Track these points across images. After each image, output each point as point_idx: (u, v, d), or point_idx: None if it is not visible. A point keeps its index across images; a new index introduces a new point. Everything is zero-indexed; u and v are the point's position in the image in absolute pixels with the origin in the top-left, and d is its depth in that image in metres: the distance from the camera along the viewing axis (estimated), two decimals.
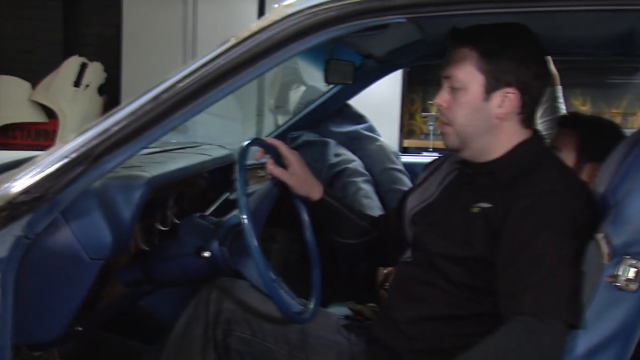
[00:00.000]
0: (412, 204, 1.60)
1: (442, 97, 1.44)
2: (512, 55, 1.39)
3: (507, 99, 1.40)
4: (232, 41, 1.19)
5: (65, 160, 1.15)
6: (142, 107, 1.16)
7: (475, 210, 1.38)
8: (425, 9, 1.19)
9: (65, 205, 1.19)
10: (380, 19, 1.19)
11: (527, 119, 1.44)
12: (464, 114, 1.42)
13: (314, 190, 1.65)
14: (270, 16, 1.20)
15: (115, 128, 1.16)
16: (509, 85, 1.39)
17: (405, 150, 4.89)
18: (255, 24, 1.20)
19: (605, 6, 1.22)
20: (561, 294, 1.21)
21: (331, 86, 2.50)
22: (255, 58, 1.18)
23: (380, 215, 1.84)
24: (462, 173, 1.50)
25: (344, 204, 1.73)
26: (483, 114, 1.41)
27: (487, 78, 1.39)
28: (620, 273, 1.17)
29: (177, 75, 1.18)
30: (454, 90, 1.42)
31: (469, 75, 1.40)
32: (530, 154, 1.42)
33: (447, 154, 1.64)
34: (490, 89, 1.39)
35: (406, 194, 1.71)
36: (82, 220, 1.23)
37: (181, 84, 1.17)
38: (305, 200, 1.66)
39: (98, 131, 1.16)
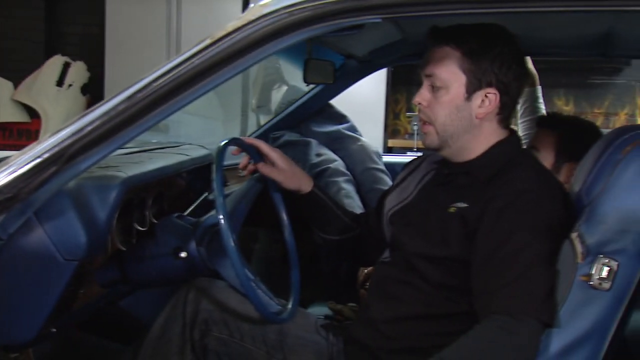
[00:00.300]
0: (390, 204, 1.60)
1: (422, 96, 1.44)
2: (494, 56, 1.39)
3: (487, 99, 1.41)
4: (208, 41, 1.18)
5: (38, 160, 1.13)
6: (116, 106, 1.15)
7: (452, 210, 1.39)
8: (401, 9, 1.19)
9: (38, 205, 1.18)
10: (357, 19, 1.18)
11: (505, 119, 1.45)
12: (445, 113, 1.42)
13: (304, 182, 1.65)
14: (245, 15, 1.19)
15: (89, 128, 1.15)
16: (489, 85, 1.40)
17: (389, 150, 4.89)
18: (231, 24, 1.20)
19: (583, 7, 1.23)
20: (536, 293, 1.22)
21: (313, 86, 2.49)
22: (230, 57, 1.17)
23: (362, 213, 1.84)
24: (440, 173, 1.51)
25: (331, 198, 1.73)
26: (464, 113, 1.41)
27: (468, 78, 1.39)
28: (594, 272, 1.18)
29: (152, 75, 1.17)
30: (434, 88, 1.42)
31: (451, 74, 1.40)
32: (507, 154, 1.43)
33: (427, 153, 1.65)
34: (472, 89, 1.40)
35: (385, 193, 1.71)
36: (56, 221, 1.22)
37: (156, 84, 1.16)
38: (296, 194, 1.66)
39: (72, 131, 1.15)
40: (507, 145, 1.45)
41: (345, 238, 1.72)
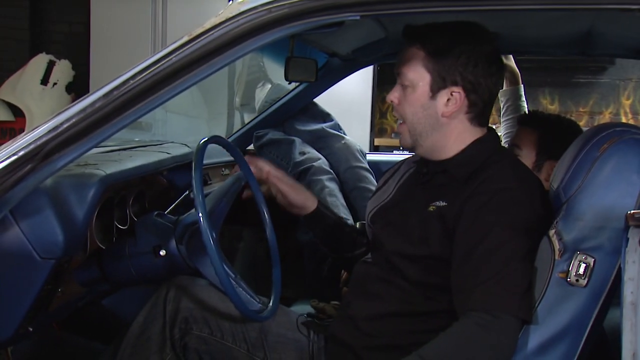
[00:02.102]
0: (371, 206, 1.61)
1: (394, 94, 1.45)
2: (459, 54, 1.39)
3: (453, 98, 1.40)
4: (185, 38, 1.18)
5: (14, 158, 1.12)
6: (92, 103, 1.15)
7: (431, 209, 1.39)
8: (378, 6, 1.19)
9: (14, 203, 1.17)
10: (335, 16, 1.18)
11: (477, 117, 1.44)
12: (412, 112, 1.43)
13: (310, 200, 1.66)
14: (223, 13, 1.19)
15: (66, 125, 1.14)
16: (454, 84, 1.40)
17: (376, 148, 4.90)
18: (209, 21, 1.19)
19: (563, 5, 1.23)
20: (512, 289, 1.22)
21: (296, 84, 2.49)
22: (208, 55, 1.17)
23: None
24: (418, 172, 1.51)
25: (337, 216, 1.73)
26: (430, 111, 1.42)
27: (433, 77, 1.40)
28: (571, 268, 1.19)
29: (129, 72, 1.17)
30: (404, 87, 1.43)
31: (416, 73, 1.41)
32: (484, 153, 1.43)
33: (405, 158, 1.66)
34: (437, 87, 1.40)
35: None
36: (32, 219, 1.21)
37: (133, 81, 1.15)
38: (301, 212, 1.66)
39: (48, 128, 1.14)
40: (484, 143, 1.45)
41: (358, 253, 1.70)
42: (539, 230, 1.29)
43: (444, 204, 1.37)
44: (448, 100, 1.40)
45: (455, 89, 1.40)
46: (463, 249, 1.31)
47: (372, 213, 1.59)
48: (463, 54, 1.38)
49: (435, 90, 1.40)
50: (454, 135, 1.43)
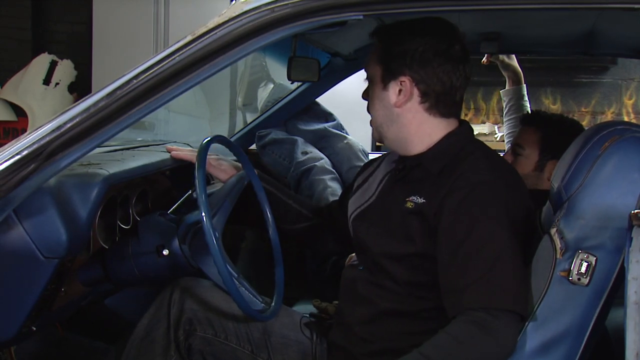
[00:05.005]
0: (353, 207, 1.59)
1: (365, 92, 1.51)
2: (407, 46, 1.41)
3: (403, 88, 1.42)
4: (188, 37, 1.18)
5: (18, 157, 1.13)
6: (96, 103, 1.15)
7: (409, 205, 1.38)
8: (381, 6, 1.19)
9: (17, 203, 1.17)
10: (338, 16, 1.19)
11: (435, 107, 1.42)
12: (372, 105, 1.48)
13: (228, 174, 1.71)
14: (227, 12, 1.20)
15: (69, 125, 1.14)
16: (402, 74, 1.42)
17: (378, 148, 4.90)
18: (212, 20, 1.20)
19: (566, 5, 1.23)
20: (505, 286, 1.22)
21: (299, 84, 2.49)
22: (211, 55, 1.17)
23: (325, 205, 1.85)
24: (396, 169, 1.52)
25: (280, 189, 1.76)
26: (384, 102, 1.45)
27: (383, 68, 1.44)
28: (572, 267, 1.19)
29: (132, 72, 1.17)
30: (369, 84, 1.49)
31: (372, 68, 1.46)
32: (457, 145, 1.42)
33: (383, 156, 1.66)
34: (387, 78, 1.43)
35: (346, 194, 1.70)
36: (36, 219, 1.22)
37: (136, 81, 1.16)
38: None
39: (51, 127, 1.15)
40: (456, 136, 1.44)
41: (301, 227, 1.75)
42: (522, 219, 1.29)
43: (422, 200, 1.37)
44: (400, 91, 1.42)
45: (403, 78, 1.42)
46: (448, 248, 1.30)
47: (354, 215, 1.57)
48: (412, 46, 1.40)
49: (386, 81, 1.43)
50: (413, 127, 1.44)
